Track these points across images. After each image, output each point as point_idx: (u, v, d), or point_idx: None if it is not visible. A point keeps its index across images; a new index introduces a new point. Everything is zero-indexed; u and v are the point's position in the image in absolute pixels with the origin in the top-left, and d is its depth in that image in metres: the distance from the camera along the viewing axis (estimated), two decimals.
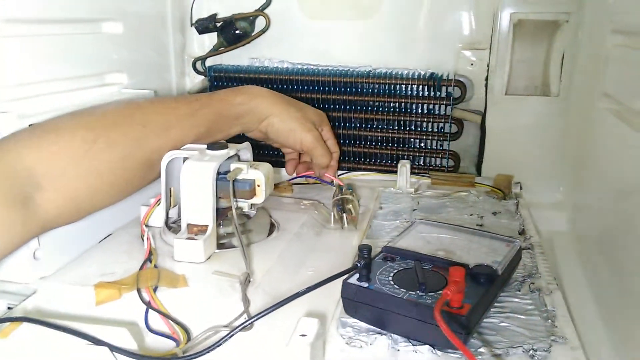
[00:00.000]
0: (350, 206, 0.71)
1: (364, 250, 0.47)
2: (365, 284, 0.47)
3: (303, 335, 0.39)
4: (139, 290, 0.51)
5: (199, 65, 0.99)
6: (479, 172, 0.89)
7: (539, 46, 0.86)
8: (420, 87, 0.88)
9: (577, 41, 0.81)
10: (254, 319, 0.44)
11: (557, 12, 0.81)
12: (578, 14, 0.80)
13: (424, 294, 0.45)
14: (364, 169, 0.92)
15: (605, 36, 0.72)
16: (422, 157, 0.92)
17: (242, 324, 0.44)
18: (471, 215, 0.72)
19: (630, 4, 0.65)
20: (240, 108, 0.69)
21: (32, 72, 0.65)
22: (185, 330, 0.45)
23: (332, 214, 0.71)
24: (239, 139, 0.68)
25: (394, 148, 0.92)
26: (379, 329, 0.46)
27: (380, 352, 0.44)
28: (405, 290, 0.46)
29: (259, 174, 0.61)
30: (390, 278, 0.48)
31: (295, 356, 0.38)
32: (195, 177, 0.59)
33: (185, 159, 0.61)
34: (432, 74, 0.88)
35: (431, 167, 0.92)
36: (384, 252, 0.53)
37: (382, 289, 0.46)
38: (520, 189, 0.82)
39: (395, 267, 0.50)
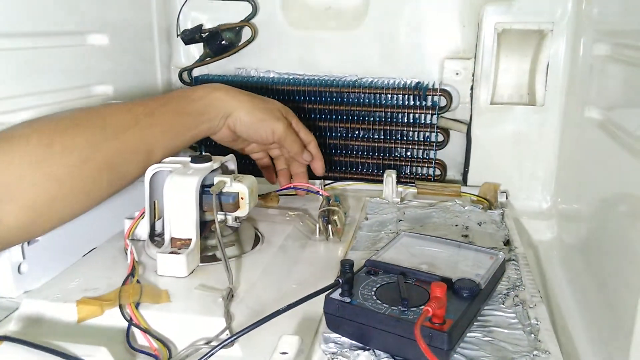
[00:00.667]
0: (335, 217, 0.71)
1: (346, 265, 0.47)
2: (348, 299, 0.47)
3: (284, 353, 0.39)
4: (121, 307, 0.50)
5: (185, 75, 0.99)
6: (465, 181, 0.89)
7: (524, 56, 0.87)
8: (406, 96, 0.88)
9: (562, 51, 0.81)
10: (234, 337, 0.43)
11: (541, 22, 0.81)
12: (563, 23, 0.80)
13: (406, 309, 0.45)
14: (350, 179, 0.92)
15: (589, 46, 0.73)
16: (409, 166, 0.92)
17: (223, 341, 0.43)
18: (456, 225, 0.72)
19: (615, 15, 0.66)
20: (200, 103, 0.66)
21: (16, 85, 0.65)
22: (167, 347, 0.45)
23: (318, 225, 0.71)
24: (218, 150, 0.68)
25: (380, 157, 0.92)
26: (361, 345, 0.46)
27: None
28: (387, 306, 0.46)
29: (242, 187, 0.61)
30: (373, 293, 0.48)
31: None
32: (179, 191, 0.58)
33: (169, 173, 0.60)
34: (418, 83, 0.88)
35: (417, 176, 0.92)
36: (367, 266, 0.53)
37: (364, 304, 0.46)
38: (507, 198, 0.82)
39: (379, 281, 0.50)
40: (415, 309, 0.45)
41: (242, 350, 0.46)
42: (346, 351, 0.45)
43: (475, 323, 0.49)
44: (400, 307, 0.45)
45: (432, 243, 0.59)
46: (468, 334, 0.47)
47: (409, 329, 0.41)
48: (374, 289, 0.48)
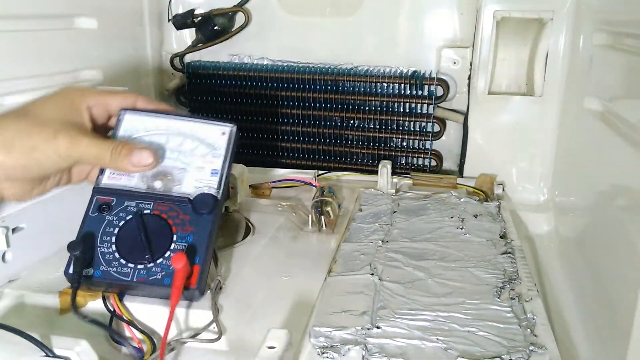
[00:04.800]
0: (328, 209, 0.70)
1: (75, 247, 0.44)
2: (90, 271, 0.45)
3: (271, 347, 0.38)
4: (104, 298, 0.48)
5: (177, 61, 0.96)
6: (461, 172, 0.87)
7: (522, 45, 0.85)
8: (402, 85, 0.86)
9: (562, 40, 0.80)
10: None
11: (541, 10, 0.79)
12: (563, 12, 0.78)
13: (153, 264, 0.44)
14: (345, 169, 0.90)
15: (589, 36, 0.71)
16: (404, 157, 0.90)
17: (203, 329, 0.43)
18: (452, 217, 0.70)
19: (616, 3, 0.64)
20: None
21: (2, 68, 0.63)
22: (151, 339, 0.43)
23: (310, 216, 0.69)
24: None
25: (375, 147, 0.90)
26: (353, 339, 0.45)
27: None
28: (133, 266, 0.44)
29: (231, 177, 0.60)
30: (113, 249, 0.45)
31: None
32: None
33: None
34: (414, 72, 0.86)
35: (413, 167, 0.90)
36: (97, 196, 0.47)
37: (109, 271, 0.45)
38: (503, 190, 0.81)
39: (114, 222, 0.46)
40: (161, 260, 0.44)
41: (228, 345, 0.44)
42: (337, 345, 0.44)
43: (465, 314, 0.48)
44: (146, 263, 0.44)
45: (159, 121, 0.50)
46: (462, 328, 0.46)
47: (163, 291, 0.44)
48: (113, 242, 0.45)
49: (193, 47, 0.95)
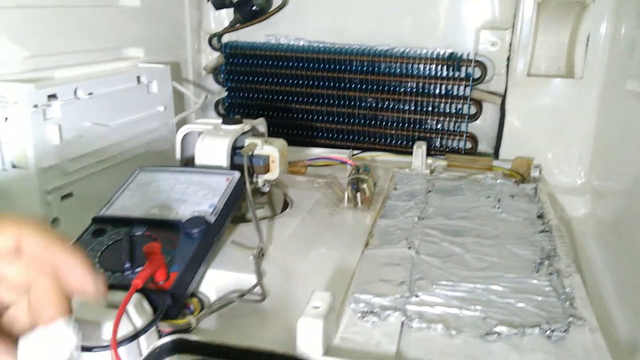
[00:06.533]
0: (364, 186, 0.70)
1: None
2: None
3: (316, 307, 0.39)
4: None
5: (215, 41, 0.98)
6: (496, 155, 0.87)
7: (563, 27, 0.84)
8: (439, 67, 0.86)
9: (604, 22, 0.78)
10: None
11: None
12: None
13: (130, 271, 0.42)
14: (379, 150, 0.91)
15: (632, 17, 0.70)
16: (439, 139, 0.90)
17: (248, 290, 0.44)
18: (488, 197, 0.70)
19: None
20: None
21: (52, 43, 0.65)
22: (199, 300, 0.45)
23: (346, 193, 0.70)
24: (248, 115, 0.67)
25: (410, 129, 0.91)
26: (392, 306, 0.46)
27: (393, 328, 0.43)
28: (111, 273, 0.43)
29: (273, 150, 0.61)
30: (97, 259, 0.44)
31: (308, 327, 0.38)
32: (210, 152, 0.58)
33: (200, 134, 0.60)
34: (452, 53, 0.86)
35: (448, 149, 0.90)
36: (94, 225, 0.49)
37: None
38: (540, 172, 0.81)
39: (105, 241, 0.46)
40: (140, 269, 0.41)
41: (272, 307, 0.46)
42: (377, 310, 0.45)
43: (503, 287, 0.48)
44: (123, 271, 0.42)
45: (169, 175, 0.55)
46: (500, 300, 0.47)
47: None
48: (98, 254, 0.45)
49: (231, 28, 0.97)
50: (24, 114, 0.56)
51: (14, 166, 0.58)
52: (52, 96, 0.59)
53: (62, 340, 0.24)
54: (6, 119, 0.57)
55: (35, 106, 0.57)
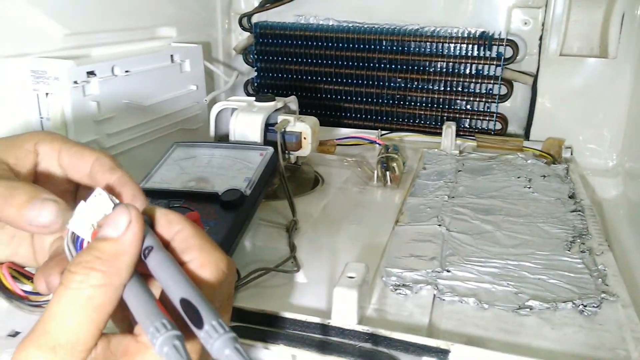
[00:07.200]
0: (394, 164, 0.71)
1: None
2: None
3: (351, 277, 0.40)
4: None
5: (245, 21, 0.99)
6: (527, 136, 0.86)
7: (597, 5, 0.82)
8: (470, 46, 0.86)
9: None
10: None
11: None
12: None
13: None
14: (407, 130, 0.91)
15: None
16: (468, 120, 0.90)
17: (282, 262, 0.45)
18: (519, 177, 0.70)
19: None
20: None
21: (88, 22, 0.67)
22: (236, 271, 0.46)
23: (376, 171, 0.71)
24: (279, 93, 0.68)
25: (439, 109, 0.90)
26: (424, 280, 0.46)
27: (425, 301, 0.44)
28: None
29: (305, 127, 0.62)
30: None
31: (343, 296, 0.39)
32: (244, 128, 0.59)
33: (233, 110, 0.61)
34: (483, 32, 0.85)
35: (477, 130, 0.90)
36: None
37: None
38: (571, 154, 0.80)
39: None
40: None
41: (306, 277, 0.47)
42: (409, 284, 0.46)
43: (535, 264, 0.48)
44: None
45: (204, 150, 0.57)
46: (532, 276, 0.47)
47: None
48: None
49: (261, 8, 0.97)
50: (64, 90, 0.58)
51: None
52: (91, 73, 0.61)
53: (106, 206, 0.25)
54: (47, 94, 0.59)
55: (75, 82, 0.59)
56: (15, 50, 0.58)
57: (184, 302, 0.21)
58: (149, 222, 0.25)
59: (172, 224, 0.25)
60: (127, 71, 0.66)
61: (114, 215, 0.24)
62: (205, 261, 0.24)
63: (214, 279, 0.24)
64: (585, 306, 0.42)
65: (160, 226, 0.25)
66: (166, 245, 0.25)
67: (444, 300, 0.44)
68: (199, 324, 0.20)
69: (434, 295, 0.45)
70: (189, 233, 0.25)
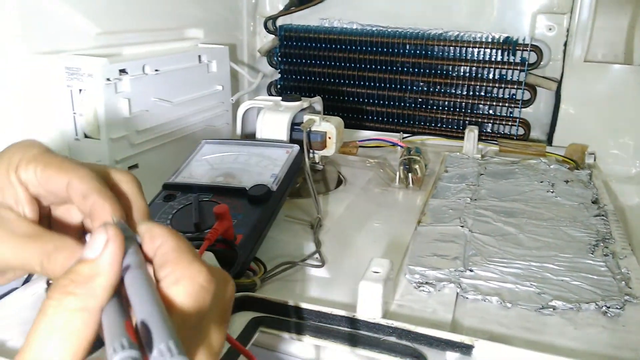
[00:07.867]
0: (416, 166, 0.71)
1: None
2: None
3: (376, 272, 0.41)
4: None
5: (270, 24, 1.00)
6: (550, 141, 0.86)
7: (622, 13, 0.82)
8: (493, 51, 0.86)
9: None
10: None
11: None
12: None
13: (199, 232, 0.45)
14: (429, 134, 0.91)
15: None
16: (490, 124, 0.90)
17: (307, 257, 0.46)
18: (542, 182, 0.70)
19: None
20: None
21: (119, 22, 0.69)
22: (263, 264, 0.48)
23: (398, 172, 0.71)
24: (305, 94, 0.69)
25: (462, 114, 0.91)
26: (447, 278, 0.47)
27: (448, 299, 0.45)
28: (182, 234, 0.44)
29: (330, 127, 0.63)
30: (169, 222, 0.47)
31: (368, 290, 0.39)
32: (271, 126, 0.60)
33: (260, 110, 0.63)
34: (507, 37, 0.85)
35: (499, 135, 0.90)
36: (164, 191, 0.52)
37: None
38: (594, 160, 0.80)
39: (175, 206, 0.49)
40: (209, 230, 0.43)
41: (329, 273, 0.48)
42: (432, 282, 0.46)
43: (558, 266, 0.48)
44: (193, 231, 0.45)
45: (231, 147, 0.58)
46: (556, 277, 0.47)
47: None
48: (170, 216, 0.47)
49: (286, 11, 0.98)
50: (97, 86, 0.60)
51: (86, 136, 0.62)
52: (123, 71, 0.63)
53: None
54: (80, 90, 0.60)
55: (108, 79, 0.60)
56: (51, 47, 0.59)
57: (142, 324, 0.20)
58: (136, 239, 0.24)
59: (154, 239, 0.24)
60: (157, 70, 0.68)
61: (93, 236, 0.22)
62: (180, 276, 0.22)
63: (189, 295, 0.22)
64: (608, 307, 0.43)
65: (145, 243, 0.24)
66: (151, 262, 0.23)
67: (467, 298, 0.45)
68: (150, 347, 0.19)
69: (457, 293, 0.45)
70: (169, 247, 0.23)
